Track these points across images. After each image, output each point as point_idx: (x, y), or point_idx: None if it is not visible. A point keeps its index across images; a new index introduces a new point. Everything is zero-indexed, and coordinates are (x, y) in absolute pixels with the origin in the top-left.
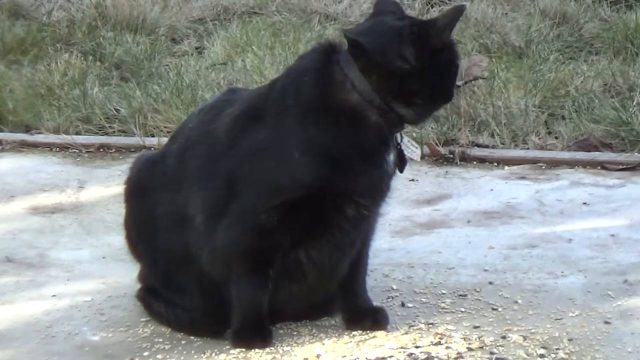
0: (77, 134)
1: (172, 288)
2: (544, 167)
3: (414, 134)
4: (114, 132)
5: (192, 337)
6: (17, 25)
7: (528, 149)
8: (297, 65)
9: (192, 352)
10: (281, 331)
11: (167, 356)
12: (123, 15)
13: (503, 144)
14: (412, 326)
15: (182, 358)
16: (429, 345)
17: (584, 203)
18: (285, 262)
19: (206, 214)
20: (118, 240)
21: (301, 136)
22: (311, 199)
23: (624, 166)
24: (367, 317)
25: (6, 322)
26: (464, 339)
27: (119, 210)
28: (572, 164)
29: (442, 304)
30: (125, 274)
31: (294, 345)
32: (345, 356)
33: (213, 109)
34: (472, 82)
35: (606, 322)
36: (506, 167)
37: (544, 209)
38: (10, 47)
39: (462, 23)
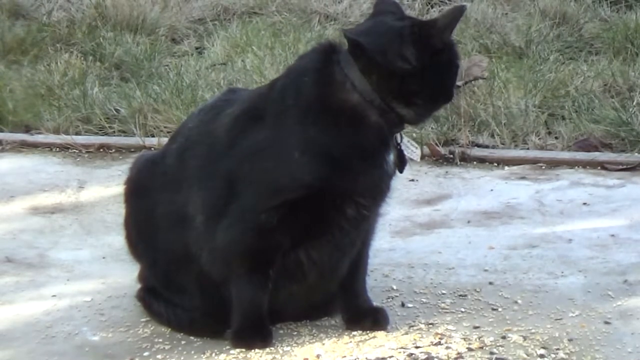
0: (77, 134)
1: (172, 288)
2: (544, 167)
3: (414, 134)
4: (114, 132)
5: (192, 337)
6: (17, 25)
7: (528, 149)
8: (297, 65)
9: (192, 352)
10: (281, 331)
11: (167, 356)
12: (123, 16)
13: (503, 144)
14: (412, 326)
15: (182, 358)
16: (429, 346)
17: (584, 203)
18: (285, 262)
19: (206, 214)
20: (118, 240)
21: (301, 136)
22: (311, 199)
23: (624, 166)
24: (367, 317)
25: (6, 322)
26: (464, 339)
27: (119, 211)
28: (572, 164)
29: (442, 304)
30: (125, 274)
31: (294, 345)
32: (345, 356)
33: (213, 109)
34: (472, 82)
35: (606, 322)
36: (506, 167)
37: (544, 209)
38: (10, 47)
39: (462, 23)
